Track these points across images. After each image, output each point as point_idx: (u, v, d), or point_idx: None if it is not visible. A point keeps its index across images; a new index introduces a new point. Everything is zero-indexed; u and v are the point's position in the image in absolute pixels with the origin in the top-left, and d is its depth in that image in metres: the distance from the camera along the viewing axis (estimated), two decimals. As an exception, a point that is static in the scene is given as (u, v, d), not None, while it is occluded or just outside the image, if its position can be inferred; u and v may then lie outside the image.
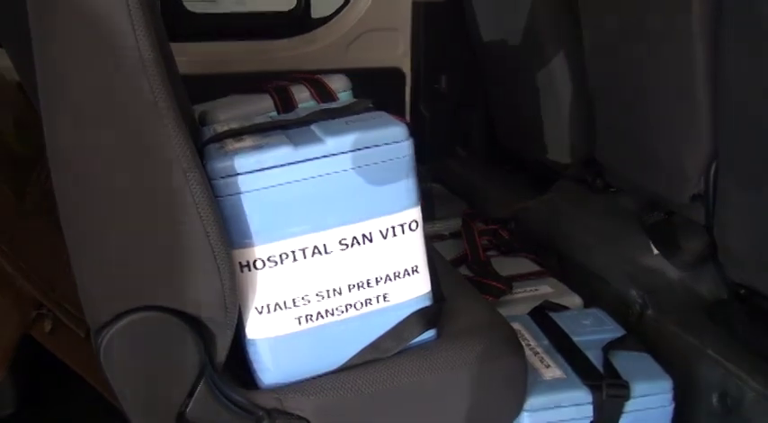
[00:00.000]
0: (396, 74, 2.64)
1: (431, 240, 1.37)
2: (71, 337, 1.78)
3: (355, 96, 1.58)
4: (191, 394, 1.06)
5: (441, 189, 2.57)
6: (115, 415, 1.73)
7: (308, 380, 1.14)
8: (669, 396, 1.39)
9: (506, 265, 1.90)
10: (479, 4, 2.50)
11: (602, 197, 2.08)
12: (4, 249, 1.69)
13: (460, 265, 1.90)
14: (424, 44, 2.66)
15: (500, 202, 2.36)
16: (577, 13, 2.04)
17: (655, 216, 1.86)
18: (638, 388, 1.36)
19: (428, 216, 2.29)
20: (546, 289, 1.80)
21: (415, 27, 2.63)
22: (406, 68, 2.65)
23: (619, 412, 1.35)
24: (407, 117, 2.67)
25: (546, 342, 1.48)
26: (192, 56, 2.23)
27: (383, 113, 1.16)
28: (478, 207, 2.40)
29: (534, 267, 1.92)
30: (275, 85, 1.41)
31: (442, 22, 2.66)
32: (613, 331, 1.52)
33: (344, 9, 2.52)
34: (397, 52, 2.63)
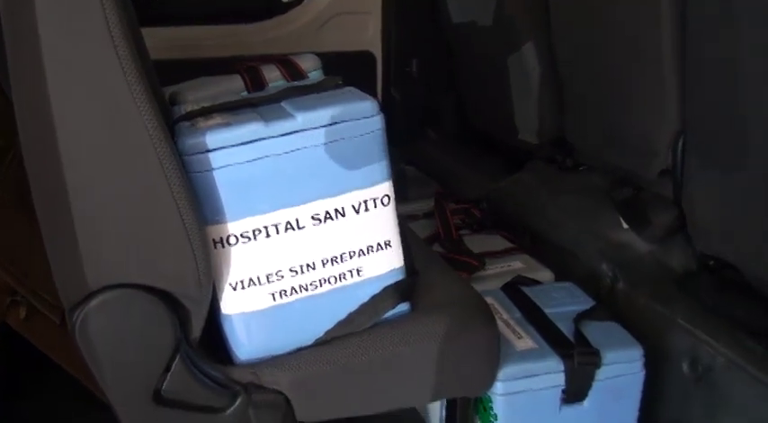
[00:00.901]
0: (367, 57, 2.64)
1: (406, 225, 1.39)
2: (46, 323, 1.78)
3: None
4: (167, 370, 1.07)
5: (413, 171, 2.59)
6: (93, 402, 1.75)
7: (283, 354, 1.15)
8: (639, 363, 1.42)
9: (479, 243, 1.93)
10: (449, -13, 2.51)
11: (573, 176, 2.10)
12: (-24, 237, 1.69)
13: (433, 243, 1.92)
14: (395, 27, 2.67)
15: (472, 182, 2.37)
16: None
17: (624, 192, 1.89)
18: (608, 356, 1.39)
19: (401, 197, 2.30)
20: (518, 265, 1.82)
21: (386, 10, 2.63)
22: (378, 52, 2.66)
23: (590, 380, 1.38)
24: (378, 101, 2.68)
25: (518, 315, 1.50)
26: (162, 41, 2.21)
27: (353, 89, 1.18)
28: (451, 188, 2.42)
29: (506, 244, 1.94)
30: (245, 65, 1.41)
31: (412, 5, 2.67)
32: (584, 303, 1.55)
33: (315, -8, 2.52)
34: (368, 35, 2.63)
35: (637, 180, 1.87)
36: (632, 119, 1.81)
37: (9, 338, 1.74)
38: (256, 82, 1.34)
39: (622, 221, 1.82)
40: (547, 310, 1.51)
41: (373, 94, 2.78)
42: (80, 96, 0.93)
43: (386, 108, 2.52)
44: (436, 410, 1.62)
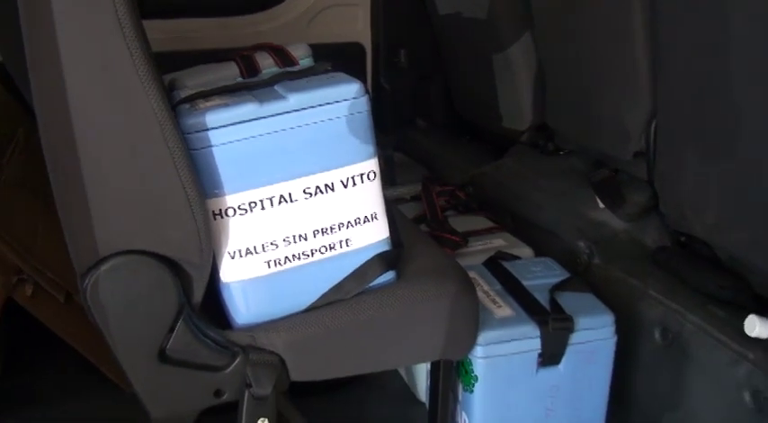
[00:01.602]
0: (357, 48, 2.73)
1: (393, 204, 1.48)
2: (51, 301, 1.87)
3: (316, 64, 1.67)
4: (171, 331, 1.16)
5: (402, 157, 2.68)
6: (95, 374, 1.84)
7: (278, 319, 1.24)
8: (611, 329, 1.52)
9: (463, 223, 2.02)
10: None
11: (553, 159, 2.20)
12: (-16, 218, 1.77)
13: (420, 223, 2.01)
14: (384, 19, 2.75)
15: (458, 167, 2.46)
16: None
17: (601, 173, 1.98)
18: (581, 322, 1.48)
19: (389, 182, 2.41)
20: (499, 242, 1.92)
21: (375, 2, 2.71)
22: (367, 43, 2.75)
23: (564, 344, 1.47)
24: (368, 90, 2.76)
25: (498, 287, 1.59)
26: (156, 33, 2.29)
27: (341, 73, 1.26)
28: (438, 173, 2.51)
29: (489, 224, 2.04)
30: (240, 53, 1.49)
31: None
32: (561, 276, 1.64)
33: (306, -16, 2.60)
34: (357, 27, 2.72)
35: (613, 162, 1.97)
36: (607, 103, 1.90)
37: (16, 314, 1.82)
38: (251, 68, 1.41)
39: (599, 201, 1.92)
40: (525, 283, 1.60)
41: (363, 83, 2.86)
42: (91, 78, 1.01)
43: (375, 97, 2.61)
44: (422, 376, 1.72)
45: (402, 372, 1.90)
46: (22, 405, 1.89)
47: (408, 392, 1.86)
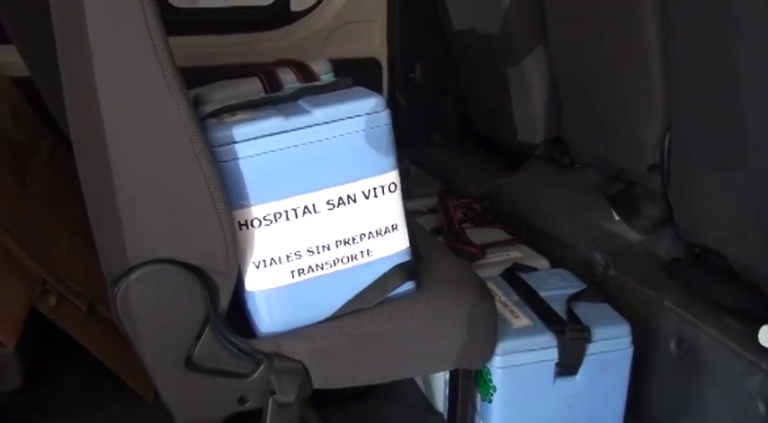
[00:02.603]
0: (373, 64, 2.76)
1: (411, 215, 1.51)
2: (75, 311, 1.90)
3: (336, 80, 1.70)
4: (197, 338, 1.19)
5: (418, 171, 2.70)
6: (116, 382, 1.87)
7: (301, 327, 1.27)
8: (628, 339, 1.54)
9: (479, 235, 2.05)
10: (451, -5, 2.64)
11: (569, 172, 2.22)
12: (11, 231, 1.80)
13: (437, 235, 2.04)
14: (400, 35, 2.78)
15: (474, 181, 2.49)
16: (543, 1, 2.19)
17: (616, 186, 2.01)
18: (598, 332, 1.50)
19: (406, 195, 2.43)
20: (516, 254, 1.94)
21: (391, 19, 2.75)
22: (383, 58, 2.78)
23: (582, 354, 1.49)
24: (385, 105, 2.80)
25: (515, 297, 1.62)
26: (177, 49, 2.34)
27: (362, 88, 1.30)
28: (454, 187, 2.54)
29: (505, 236, 2.06)
30: (262, 68, 1.53)
31: (416, 13, 2.78)
32: (577, 287, 1.67)
33: (323, 2, 2.64)
34: (373, 43, 2.75)
35: (628, 175, 1.99)
36: (622, 117, 1.93)
37: (37, 326, 1.85)
38: (273, 83, 1.45)
39: (614, 214, 1.94)
40: (542, 293, 1.63)
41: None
42: (124, 92, 1.06)
43: (391, 112, 2.64)
44: (440, 386, 1.74)
45: (420, 382, 1.92)
46: (45, 414, 1.92)
47: (426, 402, 1.88)
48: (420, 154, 2.85)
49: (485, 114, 2.72)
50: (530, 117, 2.40)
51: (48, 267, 1.86)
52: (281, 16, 2.65)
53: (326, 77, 1.53)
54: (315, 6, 2.66)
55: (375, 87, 2.72)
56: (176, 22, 2.53)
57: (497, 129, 2.62)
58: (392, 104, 2.81)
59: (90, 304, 1.92)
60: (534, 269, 1.81)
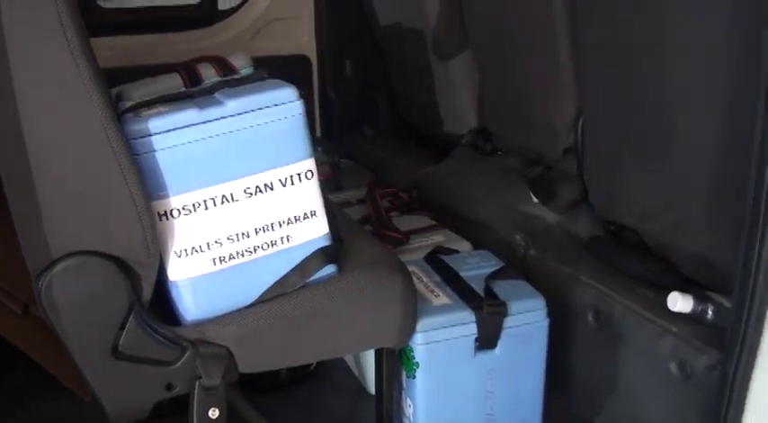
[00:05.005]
0: (302, 60, 2.81)
1: (333, 203, 1.55)
2: (9, 314, 1.91)
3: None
4: (122, 328, 1.22)
5: (349, 163, 2.75)
6: (53, 384, 1.88)
7: (225, 314, 1.30)
8: (543, 312, 1.61)
9: (406, 222, 2.11)
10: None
11: (492, 159, 2.31)
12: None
13: (365, 224, 2.09)
14: (327, 31, 2.83)
15: (403, 171, 2.55)
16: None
17: (534, 170, 2.09)
18: (514, 306, 1.57)
19: (337, 187, 2.49)
20: (439, 238, 2.01)
21: (318, 15, 2.80)
22: (312, 55, 2.83)
23: (499, 328, 1.56)
24: (316, 100, 2.86)
25: (437, 278, 1.68)
26: (103, 50, 2.35)
27: (277, 80, 1.35)
28: (385, 178, 2.60)
29: (430, 222, 2.13)
30: (183, 64, 1.56)
31: (343, 9, 2.84)
32: (496, 266, 1.73)
33: (249, 0, 2.68)
34: (302, 40, 2.80)
35: (545, 160, 2.08)
36: (537, 104, 2.02)
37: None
38: (193, 78, 1.46)
39: (533, 196, 2.03)
40: (462, 274, 1.69)
41: (310, 94, 2.93)
42: (41, 90, 1.09)
43: (323, 107, 2.69)
44: (372, 370, 1.79)
45: (353, 367, 1.98)
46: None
47: (359, 386, 1.94)
48: (352, 147, 2.90)
49: (414, 107, 2.79)
50: (455, 108, 2.48)
51: (-21, 272, 1.87)
52: (209, 15, 2.68)
53: (246, 71, 1.56)
54: (242, 5, 2.69)
55: (306, 83, 2.80)
56: (104, 23, 2.53)
57: (426, 120, 2.69)
58: (323, 99, 2.88)
59: (25, 307, 1.92)
60: (456, 251, 1.88)
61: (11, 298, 1.90)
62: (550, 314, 1.62)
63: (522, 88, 2.07)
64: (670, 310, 1.52)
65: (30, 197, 1.11)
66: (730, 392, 1.31)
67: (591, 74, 1.80)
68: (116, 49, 2.42)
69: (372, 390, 1.87)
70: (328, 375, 1.99)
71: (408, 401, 1.60)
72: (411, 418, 1.60)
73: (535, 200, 2.01)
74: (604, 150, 1.84)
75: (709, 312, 1.48)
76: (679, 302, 1.50)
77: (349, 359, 1.98)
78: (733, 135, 1.43)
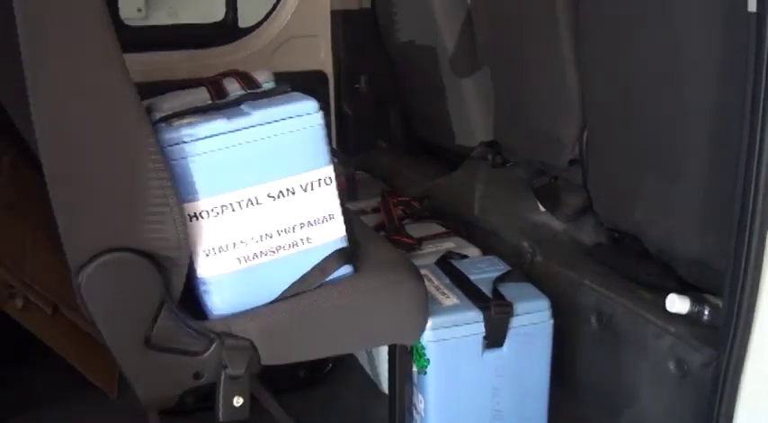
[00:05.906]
0: (319, 76, 2.91)
1: (350, 210, 1.64)
2: (40, 313, 2.01)
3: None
4: (155, 320, 1.32)
5: (364, 175, 2.86)
6: (80, 380, 1.97)
7: (249, 309, 1.40)
8: (547, 313, 1.70)
9: (418, 229, 2.21)
10: (388, 11, 2.81)
11: (501, 170, 2.41)
12: (-24, 238, 1.91)
13: (379, 231, 2.19)
14: (344, 48, 2.95)
15: (416, 182, 2.65)
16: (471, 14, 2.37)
17: (541, 180, 2.19)
18: (519, 307, 1.66)
19: (352, 197, 2.59)
20: (450, 244, 2.11)
21: (335, 33, 2.91)
22: (329, 71, 2.93)
23: (506, 327, 1.65)
24: (332, 115, 2.96)
25: (447, 281, 1.78)
26: (129, 66, 2.46)
27: (298, 93, 1.45)
28: (399, 189, 2.70)
29: (441, 230, 2.23)
30: (209, 79, 1.66)
31: (358, 27, 2.95)
32: (504, 270, 1.82)
33: (269, 18, 2.79)
34: (319, 57, 2.90)
35: (551, 170, 2.17)
36: (543, 118, 2.11)
37: (7, 326, 1.95)
38: (220, 92, 1.57)
39: (540, 205, 2.12)
40: (471, 277, 1.78)
41: (327, 109, 3.05)
42: (86, 101, 1.19)
43: (339, 121, 2.79)
44: (385, 370, 1.88)
45: (367, 367, 2.07)
46: (12, 411, 2.01)
47: (373, 385, 2.03)
48: (367, 160, 3.00)
49: (426, 121, 2.89)
50: (466, 123, 2.58)
51: (14, 272, 1.97)
52: (229, 32, 2.78)
53: (268, 85, 1.66)
54: (261, 23, 2.80)
55: (323, 98, 2.90)
56: (128, 40, 2.63)
57: (438, 134, 2.79)
58: (339, 114, 2.99)
59: (54, 307, 2.03)
60: (466, 257, 1.97)
61: (42, 298, 2.00)
62: (555, 315, 1.71)
63: (530, 102, 2.17)
64: (668, 312, 1.60)
65: (72, 200, 1.22)
66: (723, 386, 1.38)
67: (594, 89, 1.89)
68: (139, 64, 2.50)
69: (385, 388, 1.95)
70: (343, 376, 2.08)
71: (420, 397, 1.69)
72: (422, 412, 1.69)
73: (542, 209, 2.10)
74: (607, 162, 1.92)
75: (705, 313, 1.56)
76: (677, 304, 1.58)
77: (363, 359, 2.07)
78: (728, 148, 1.51)
